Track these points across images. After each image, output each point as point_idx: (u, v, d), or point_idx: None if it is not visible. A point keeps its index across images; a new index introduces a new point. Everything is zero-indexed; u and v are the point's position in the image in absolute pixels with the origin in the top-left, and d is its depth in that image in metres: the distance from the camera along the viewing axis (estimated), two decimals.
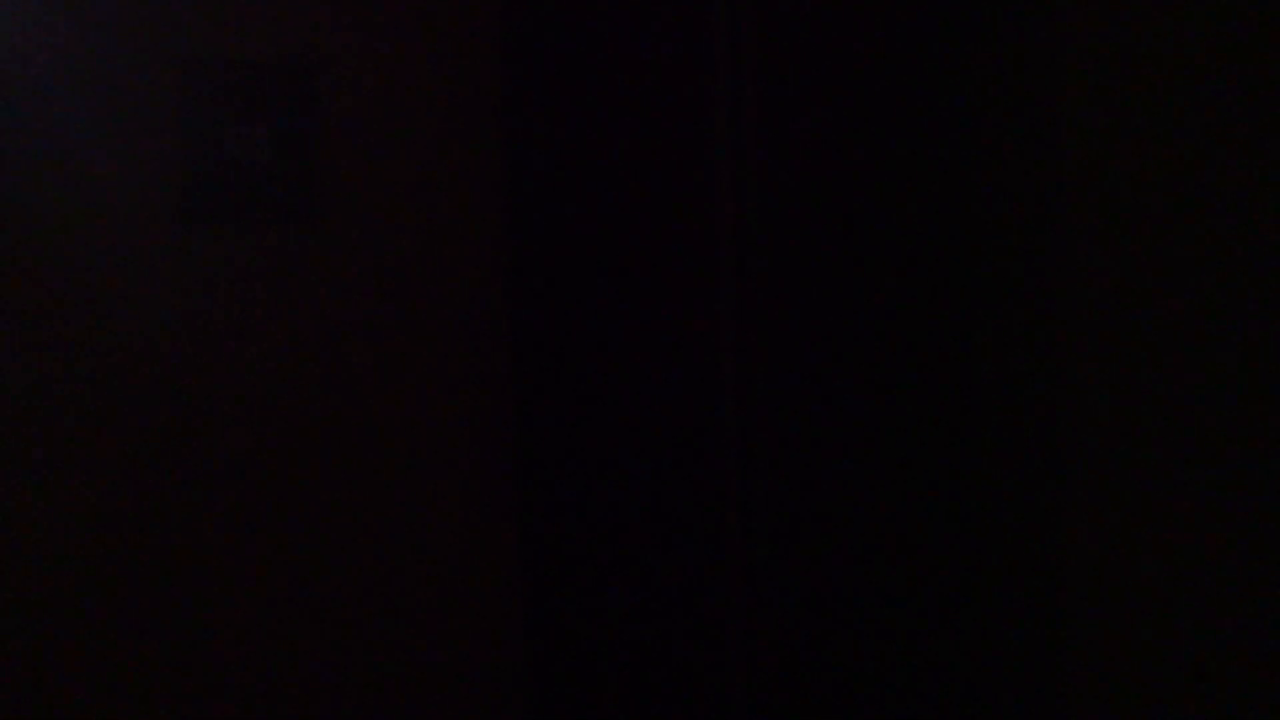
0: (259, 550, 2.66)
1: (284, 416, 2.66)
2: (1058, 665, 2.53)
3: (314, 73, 2.64)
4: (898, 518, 2.51)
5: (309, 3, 2.63)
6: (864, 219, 2.43)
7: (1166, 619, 2.38)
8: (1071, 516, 2.49)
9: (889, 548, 2.50)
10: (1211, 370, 2.29)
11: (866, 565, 2.48)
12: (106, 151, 2.48)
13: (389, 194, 2.74)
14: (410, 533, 2.80)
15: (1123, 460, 2.41)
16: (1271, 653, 2.24)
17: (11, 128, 2.40)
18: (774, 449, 2.34)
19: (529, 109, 2.74)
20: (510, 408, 2.88)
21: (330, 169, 2.67)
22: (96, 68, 2.46)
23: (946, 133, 2.55)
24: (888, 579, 2.50)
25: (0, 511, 2.42)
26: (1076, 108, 2.43)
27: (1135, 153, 2.36)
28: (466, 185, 2.82)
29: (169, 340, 2.55)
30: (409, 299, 2.77)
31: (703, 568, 2.40)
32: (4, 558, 2.43)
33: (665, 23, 2.36)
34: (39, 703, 2.47)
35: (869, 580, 2.48)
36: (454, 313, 2.81)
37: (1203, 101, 2.27)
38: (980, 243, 2.60)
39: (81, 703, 2.51)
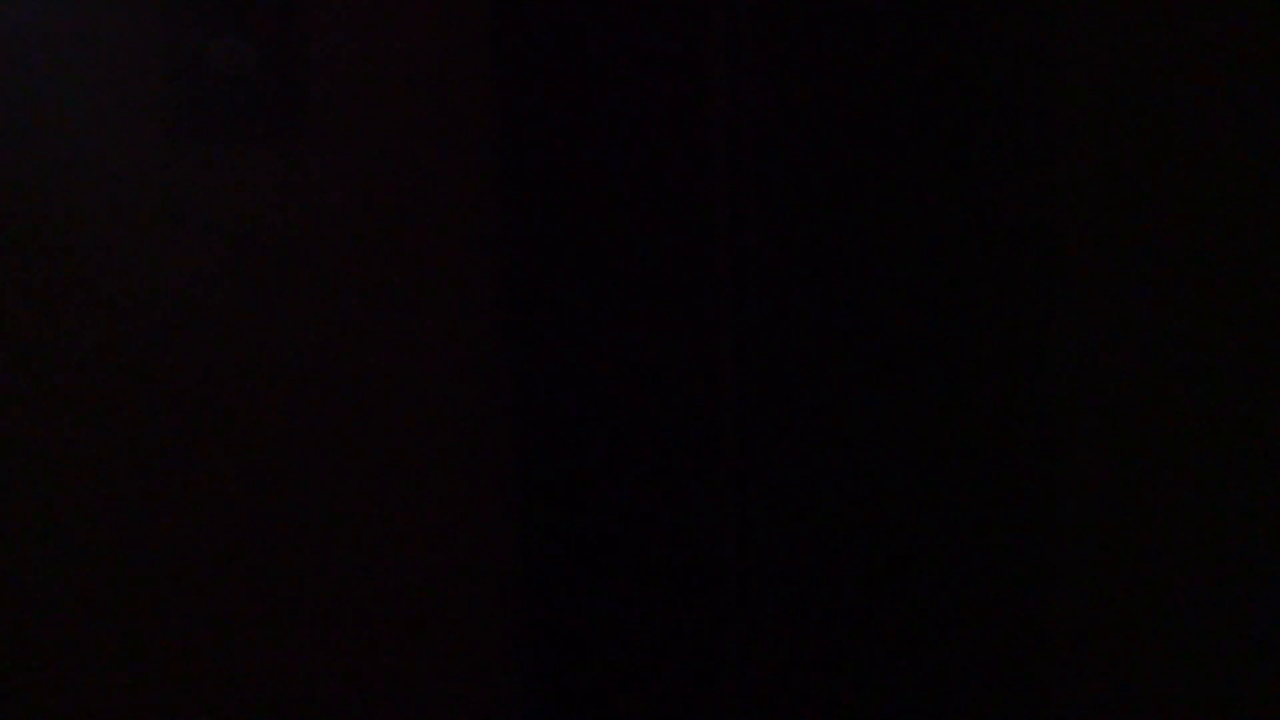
0: (244, 514, 2.63)
1: (272, 342, 2.62)
2: (1047, 662, 2.56)
3: None
4: (893, 515, 2.52)
5: None
6: (861, 217, 2.42)
7: (1158, 620, 2.40)
8: (1064, 514, 2.51)
9: (884, 544, 2.51)
10: (1205, 370, 2.29)
11: (861, 561, 2.49)
12: (86, 71, 2.43)
13: (380, 110, 2.68)
14: (396, 465, 2.78)
15: (1115, 461, 2.43)
16: (1259, 651, 2.25)
17: None
18: (770, 445, 2.33)
19: (526, 28, 2.68)
20: (504, 344, 2.85)
21: (319, 83, 2.61)
22: None
23: (944, 132, 2.53)
24: (882, 575, 2.52)
25: None
26: (1074, 109, 2.42)
27: (1133, 152, 2.36)
28: (462, 97, 2.75)
29: (155, 261, 2.51)
30: (400, 221, 2.72)
31: (700, 562, 2.41)
32: None
33: None
34: (34, 702, 2.46)
35: (864, 576, 2.50)
36: (447, 235, 2.76)
37: (1199, 98, 2.25)
38: (975, 241, 2.61)
39: (69, 699, 2.50)
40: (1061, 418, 2.52)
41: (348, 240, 2.67)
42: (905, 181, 2.47)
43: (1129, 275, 2.40)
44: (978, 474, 2.65)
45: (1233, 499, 2.30)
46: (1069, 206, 2.48)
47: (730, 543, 2.35)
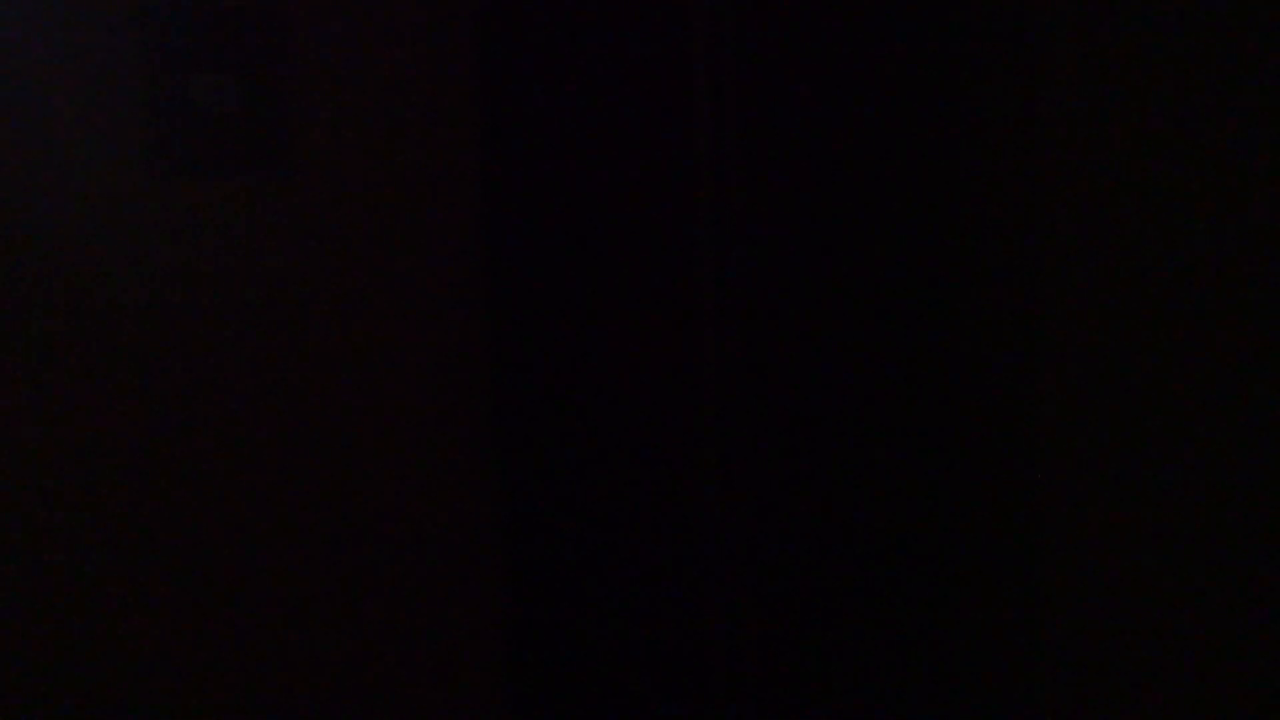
0: (230, 520, 2.63)
1: (255, 371, 2.63)
2: (1035, 661, 2.56)
3: (283, 15, 2.59)
4: (878, 514, 2.52)
5: None
6: (845, 217, 2.43)
7: (1145, 621, 2.40)
8: (1050, 513, 2.51)
9: (870, 544, 2.51)
10: (1191, 370, 2.30)
11: (847, 561, 2.49)
12: (69, 104, 2.44)
13: (362, 143, 2.70)
14: (384, 496, 2.77)
15: (1101, 461, 2.43)
16: (1247, 649, 2.25)
17: None
18: (754, 445, 2.34)
19: (508, 54, 2.70)
20: (489, 365, 2.86)
21: (301, 116, 2.63)
22: (54, 14, 2.42)
23: (930, 132, 2.55)
24: (868, 573, 2.52)
25: None
26: (1059, 109, 2.44)
27: (1119, 153, 2.37)
28: (443, 128, 2.77)
29: (137, 295, 2.51)
30: (383, 250, 2.73)
31: (685, 563, 2.40)
32: None
33: None
34: (25, 702, 2.43)
35: (850, 576, 2.49)
36: (430, 263, 2.78)
37: (1188, 99, 2.27)
38: (962, 242, 2.61)
39: (59, 697, 2.48)
40: (1048, 416, 2.52)
41: (329, 266, 2.68)
42: (891, 183, 2.48)
43: (1116, 275, 2.41)
44: (966, 473, 2.64)
45: (1221, 499, 2.30)
46: (1056, 206, 2.48)
47: (717, 542, 2.34)
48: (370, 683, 2.78)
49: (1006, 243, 2.56)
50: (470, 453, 2.85)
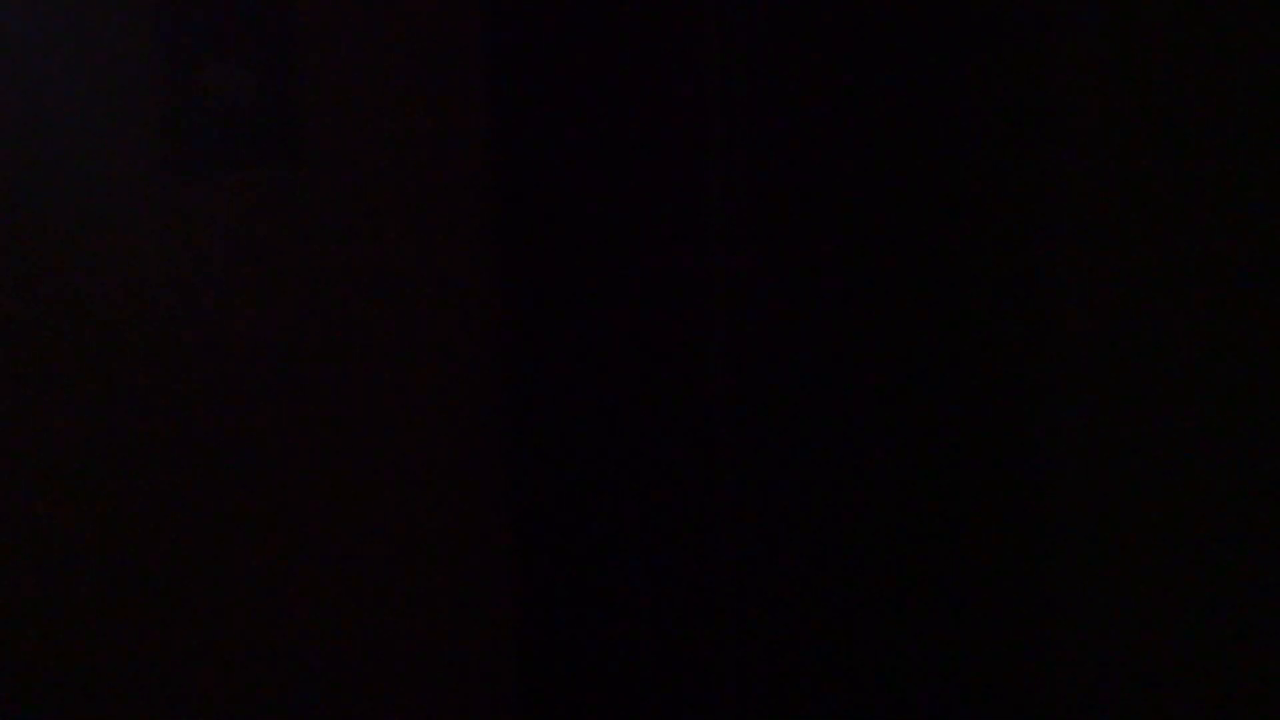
0: (241, 519, 2.63)
1: (268, 367, 2.63)
2: (1040, 660, 2.56)
3: (295, 6, 2.59)
4: (886, 514, 2.53)
5: None
6: (853, 218, 2.43)
7: (1151, 623, 2.40)
8: (1056, 514, 2.52)
9: (878, 544, 2.52)
10: (1196, 371, 2.30)
11: (860, 563, 2.49)
12: (80, 96, 2.44)
13: (375, 136, 2.70)
14: (394, 495, 2.78)
15: (1107, 461, 2.44)
16: (1252, 649, 2.25)
17: None
18: (763, 446, 2.34)
19: (520, 46, 2.70)
20: (500, 363, 2.86)
21: (314, 108, 2.62)
22: (66, 4, 2.41)
23: (938, 134, 2.55)
24: (877, 574, 2.52)
25: None
26: (1065, 112, 2.45)
27: (1124, 154, 2.37)
28: (456, 122, 2.77)
29: (148, 289, 2.51)
30: (396, 245, 2.73)
31: (693, 564, 2.41)
32: None
33: None
34: (24, 701, 2.46)
35: (862, 578, 2.50)
36: (443, 257, 2.78)
37: (1191, 101, 2.27)
38: (968, 243, 2.62)
39: (62, 698, 2.49)
40: (1051, 418, 2.52)
41: (342, 260, 2.69)
42: (900, 185, 2.48)
43: (1118, 274, 2.41)
44: (974, 475, 2.64)
45: (1223, 500, 2.30)
46: (1059, 208, 2.48)
47: (727, 543, 2.34)
48: (379, 684, 2.79)
49: (1016, 246, 2.56)
50: (481, 451, 2.86)
